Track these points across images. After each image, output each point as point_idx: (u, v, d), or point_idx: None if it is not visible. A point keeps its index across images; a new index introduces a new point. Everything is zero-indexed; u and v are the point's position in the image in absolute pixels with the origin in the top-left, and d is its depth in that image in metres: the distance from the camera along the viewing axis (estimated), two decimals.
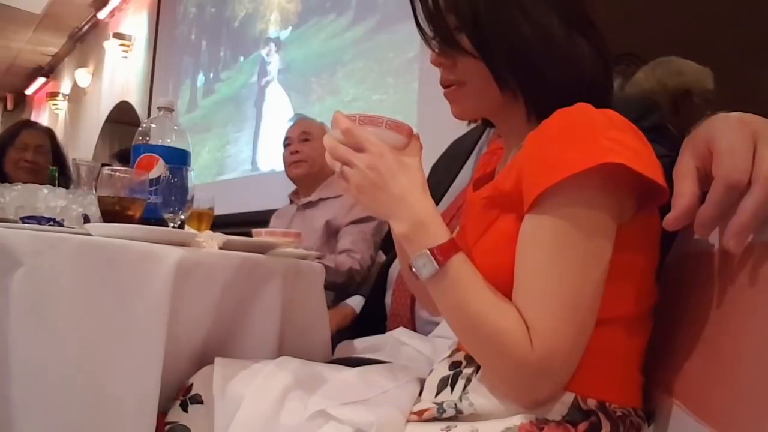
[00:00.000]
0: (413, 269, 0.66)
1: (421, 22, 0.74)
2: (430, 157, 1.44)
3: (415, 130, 0.74)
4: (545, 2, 0.70)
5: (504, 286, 0.64)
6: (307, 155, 2.18)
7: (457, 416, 0.66)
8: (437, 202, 1.28)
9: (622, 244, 0.62)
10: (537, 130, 0.65)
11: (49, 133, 2.55)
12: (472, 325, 0.64)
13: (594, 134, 0.59)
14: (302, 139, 2.21)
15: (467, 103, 0.77)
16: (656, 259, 0.68)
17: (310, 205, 2.15)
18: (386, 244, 1.89)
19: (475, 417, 0.66)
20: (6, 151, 2.40)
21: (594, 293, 0.61)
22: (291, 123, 2.33)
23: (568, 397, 0.62)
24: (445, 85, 0.77)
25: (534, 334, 0.60)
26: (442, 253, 0.64)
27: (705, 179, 0.57)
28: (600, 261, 0.61)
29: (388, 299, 1.36)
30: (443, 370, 0.74)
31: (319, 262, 1.22)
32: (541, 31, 0.69)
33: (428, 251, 0.64)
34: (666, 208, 0.61)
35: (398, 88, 2.87)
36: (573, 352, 0.61)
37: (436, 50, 0.76)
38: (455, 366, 0.73)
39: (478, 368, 0.69)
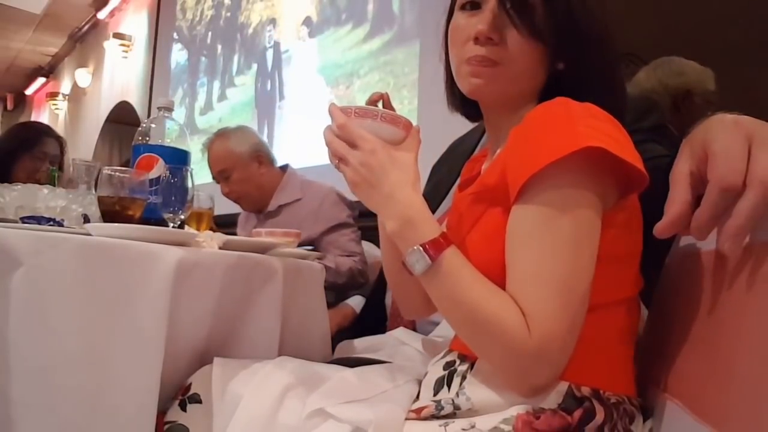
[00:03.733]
0: (407, 265, 0.67)
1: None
2: (431, 157, 1.44)
3: (414, 123, 0.74)
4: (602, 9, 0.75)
5: (495, 279, 0.64)
6: (237, 192, 2.04)
7: (455, 413, 0.67)
8: (438, 203, 1.28)
9: (606, 232, 0.63)
10: (520, 125, 0.66)
11: (61, 142, 2.37)
12: (469, 316, 0.64)
13: (573, 122, 0.61)
14: (223, 178, 2.04)
15: (496, 84, 0.74)
16: (640, 247, 0.69)
17: (271, 214, 2.05)
18: None
19: (472, 413, 0.66)
20: (20, 156, 2.20)
21: (587, 272, 0.61)
22: (203, 151, 2.11)
23: (563, 386, 0.63)
24: (485, 60, 0.73)
25: (530, 319, 0.60)
26: (433, 248, 0.65)
27: (700, 182, 0.57)
28: (590, 238, 0.62)
29: (388, 299, 1.36)
30: (438, 371, 0.75)
31: (319, 263, 1.22)
32: (611, 48, 0.75)
33: (420, 247, 0.66)
34: (654, 206, 0.61)
35: (412, 100, 2.87)
36: (570, 335, 0.61)
37: (486, 27, 0.72)
38: (449, 365, 0.74)
39: (472, 365, 0.70)
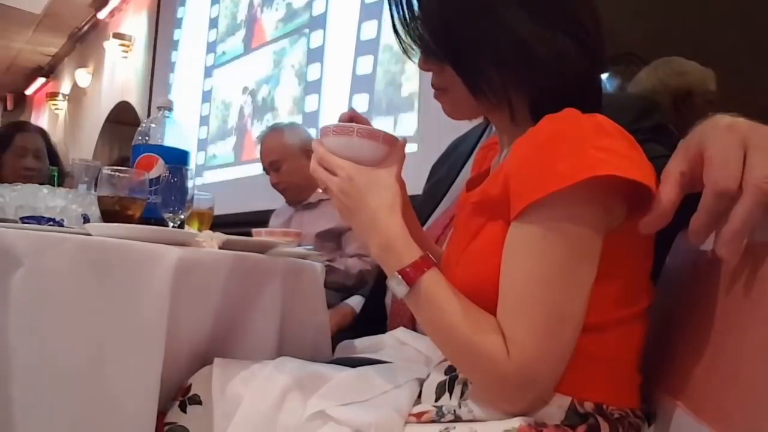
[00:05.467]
0: (390, 290, 0.69)
1: (398, 29, 0.74)
2: (430, 157, 1.44)
3: (399, 136, 0.75)
4: (522, 7, 0.68)
5: (490, 295, 0.64)
6: (286, 182, 2.15)
7: (456, 420, 0.66)
8: (438, 202, 1.27)
9: (613, 248, 0.62)
10: (525, 136, 0.64)
11: (43, 134, 2.45)
12: (448, 338, 0.65)
13: (583, 144, 0.59)
14: (273, 169, 2.16)
15: (456, 107, 0.78)
16: (650, 260, 0.68)
17: (311, 206, 2.14)
18: None
19: (474, 421, 0.66)
20: (2, 158, 2.27)
21: (578, 300, 0.61)
22: (257, 143, 2.24)
23: (565, 401, 0.62)
24: (434, 88, 0.78)
25: (511, 343, 0.60)
26: (410, 274, 0.66)
27: (690, 183, 0.57)
28: (585, 267, 0.61)
29: (388, 299, 1.36)
30: (439, 375, 0.74)
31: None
32: (516, 37, 0.68)
33: (398, 273, 0.67)
34: None
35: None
36: (554, 363, 0.61)
37: (413, 58, 0.76)
38: (451, 370, 0.73)
39: None
